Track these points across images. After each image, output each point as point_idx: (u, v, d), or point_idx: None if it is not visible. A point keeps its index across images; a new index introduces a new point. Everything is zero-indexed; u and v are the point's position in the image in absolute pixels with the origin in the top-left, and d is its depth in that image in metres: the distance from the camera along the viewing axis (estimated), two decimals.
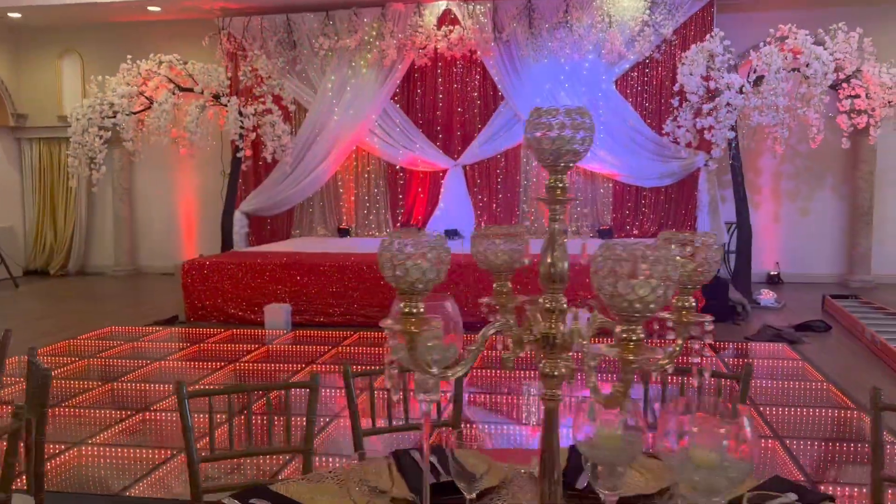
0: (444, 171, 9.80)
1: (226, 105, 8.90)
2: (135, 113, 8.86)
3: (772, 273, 9.72)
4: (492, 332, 1.31)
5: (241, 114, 8.81)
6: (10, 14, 10.21)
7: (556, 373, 1.25)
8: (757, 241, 9.47)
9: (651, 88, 9.30)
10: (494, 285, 1.42)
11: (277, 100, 9.51)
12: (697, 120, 8.34)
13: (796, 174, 9.86)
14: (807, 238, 9.87)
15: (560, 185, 1.28)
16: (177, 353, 6.33)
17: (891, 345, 5.72)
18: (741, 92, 7.64)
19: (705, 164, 9.12)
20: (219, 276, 7.51)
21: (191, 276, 7.56)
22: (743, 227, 8.27)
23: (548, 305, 1.27)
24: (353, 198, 10.18)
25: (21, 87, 11.31)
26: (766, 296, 8.17)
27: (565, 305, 1.27)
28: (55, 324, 7.68)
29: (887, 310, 7.26)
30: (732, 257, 9.04)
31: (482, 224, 9.53)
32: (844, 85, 7.41)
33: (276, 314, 7.09)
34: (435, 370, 1.24)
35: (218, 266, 7.55)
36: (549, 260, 1.27)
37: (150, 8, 9.86)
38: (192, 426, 2.09)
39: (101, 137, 8.79)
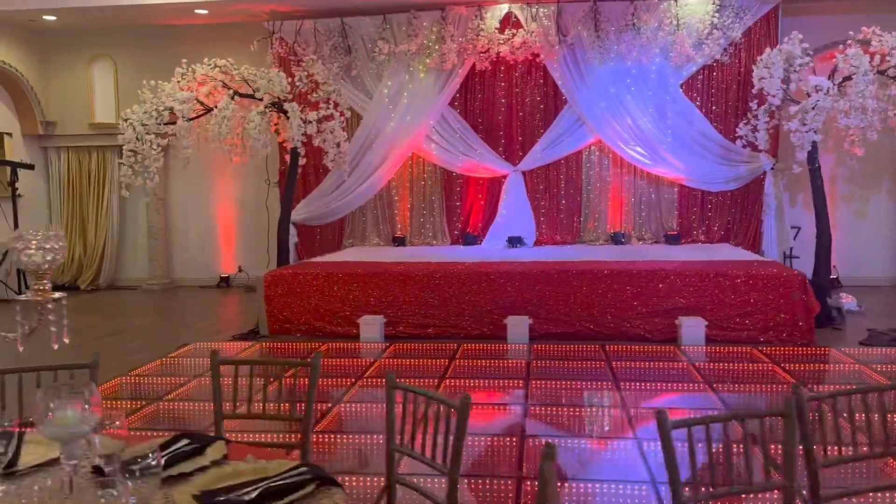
0: (503, 178, 9.59)
1: (286, 112, 8.57)
2: (190, 119, 8.48)
3: (830, 277, 9.68)
4: None
5: (304, 121, 8.48)
6: (46, 17, 9.75)
7: None
8: (812, 244, 9.45)
9: (718, 91, 9.22)
10: None
11: (334, 106, 9.20)
12: (774, 123, 8.28)
13: (851, 177, 9.85)
14: (862, 241, 9.86)
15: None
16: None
17: None
18: (828, 94, 7.57)
19: (772, 167, 9.08)
20: (303, 287, 7.16)
21: (273, 288, 7.20)
22: (823, 233, 8.19)
23: None
24: (407, 206, 9.91)
25: (49, 93, 10.82)
26: (848, 300, 8.10)
27: None
28: (126, 341, 7.27)
29: None
30: (797, 261, 9.00)
31: (545, 231, 9.37)
32: None
33: (371, 326, 6.80)
34: None
35: (303, 277, 7.20)
36: None
37: (198, 11, 9.49)
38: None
39: (158, 145, 8.38)
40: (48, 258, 1.74)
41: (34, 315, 1.71)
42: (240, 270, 10.93)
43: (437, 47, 9.24)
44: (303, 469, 1.68)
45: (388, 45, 9.29)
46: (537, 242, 9.39)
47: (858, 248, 9.85)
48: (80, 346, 6.99)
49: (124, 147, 8.50)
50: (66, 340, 1.79)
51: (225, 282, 10.89)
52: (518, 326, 6.63)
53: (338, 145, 8.91)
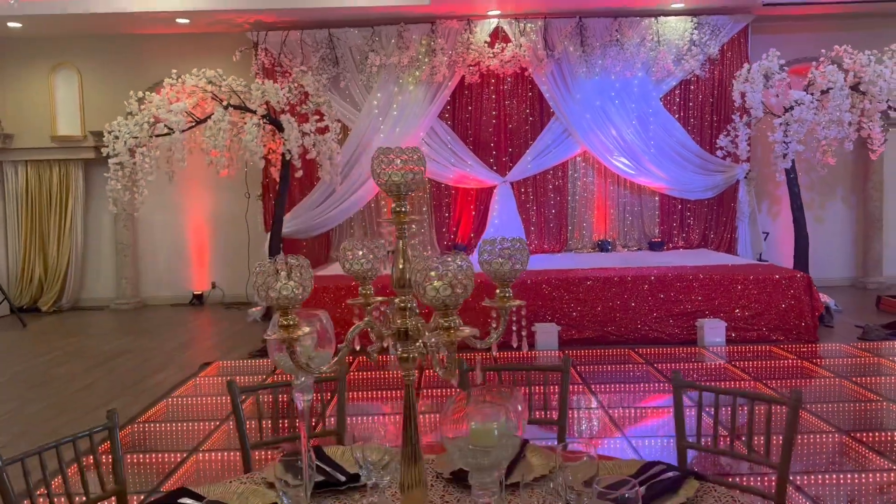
0: (492, 189, 9.73)
1: (278, 123, 8.42)
2: (183, 131, 8.20)
3: None
4: (356, 331, 1.59)
5: (301, 133, 8.37)
6: (10, 24, 9.21)
7: (409, 357, 1.54)
8: (779, 248, 10.07)
9: (695, 104, 9.68)
10: (360, 289, 1.72)
11: (320, 117, 9.11)
12: (752, 134, 8.79)
13: (811, 185, 10.52)
14: (822, 244, 10.53)
15: (403, 209, 1.63)
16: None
17: None
18: (809, 107, 8.10)
19: (745, 176, 9.60)
20: (317, 301, 7.05)
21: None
22: (801, 236, 8.73)
23: (402, 305, 1.56)
24: None
25: (6, 103, 10.20)
26: (826, 299, 8.65)
27: (414, 304, 1.56)
28: (139, 362, 6.96)
29: None
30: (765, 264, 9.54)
31: (533, 240, 9.56)
32: None
33: None
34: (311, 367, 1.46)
35: (325, 290, 7.09)
36: (399, 267, 1.58)
37: (180, 20, 9.20)
38: None
39: (152, 158, 8.06)
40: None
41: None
42: (214, 287, 10.61)
43: (427, 60, 9.31)
44: None
45: (378, 57, 9.28)
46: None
47: (819, 251, 10.49)
48: (92, 369, 6.66)
49: (111, 160, 8.14)
50: None
51: (198, 299, 10.53)
52: (547, 334, 6.76)
53: (330, 158, 8.84)
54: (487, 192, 9.77)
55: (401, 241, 1.63)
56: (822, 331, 7.48)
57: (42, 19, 9.02)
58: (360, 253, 1.71)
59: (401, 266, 1.59)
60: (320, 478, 1.79)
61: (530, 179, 9.78)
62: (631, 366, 6.20)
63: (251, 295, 9.93)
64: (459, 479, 1.81)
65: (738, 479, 3.54)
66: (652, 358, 6.38)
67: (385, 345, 1.60)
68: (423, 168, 1.66)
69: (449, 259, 1.38)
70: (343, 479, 1.82)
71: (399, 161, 1.63)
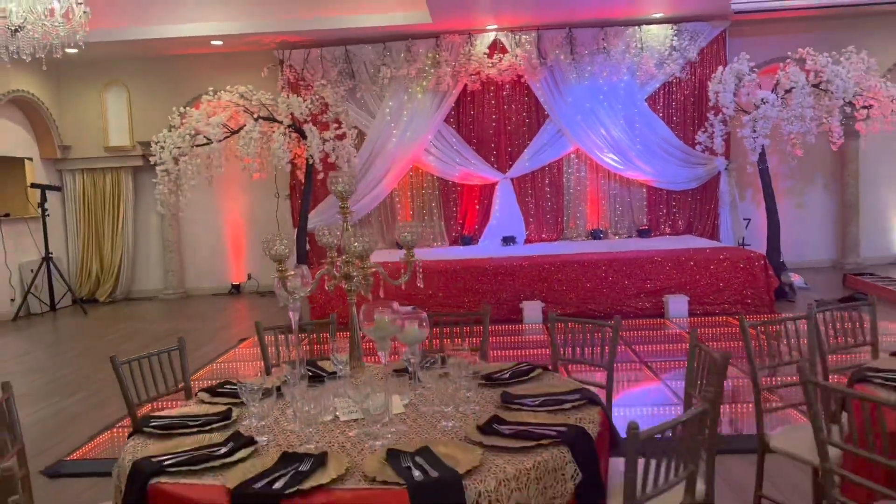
0: (495, 184, 10.81)
1: (302, 132, 9.60)
2: (220, 141, 9.43)
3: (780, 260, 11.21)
4: (321, 275, 2.80)
5: (323, 140, 9.54)
6: (68, 50, 10.50)
7: (351, 289, 2.76)
8: (760, 233, 10.96)
9: (678, 104, 10.64)
10: (328, 253, 2.86)
11: (338, 125, 10.26)
12: (727, 130, 9.73)
13: (791, 175, 11.41)
14: (804, 229, 11.42)
15: (346, 206, 2.91)
16: None
17: None
18: (773, 105, 9.03)
19: (726, 168, 10.54)
20: None
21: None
22: (773, 221, 9.66)
23: (346, 260, 2.76)
24: (409, 212, 11.04)
25: (65, 118, 11.57)
26: (797, 278, 9.58)
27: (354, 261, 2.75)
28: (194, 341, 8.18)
29: None
30: (749, 248, 10.45)
31: (532, 230, 10.61)
32: (859, 98, 8.92)
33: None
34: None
35: None
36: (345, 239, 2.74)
37: (214, 42, 10.44)
38: None
39: (195, 165, 9.31)
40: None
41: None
42: (249, 278, 11.87)
43: (432, 71, 10.42)
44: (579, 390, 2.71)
45: (389, 70, 10.42)
46: (527, 241, 10.64)
47: (801, 235, 11.41)
48: (148, 345, 7.90)
49: (158, 168, 9.41)
50: None
51: (236, 289, 11.81)
52: (533, 310, 7.85)
53: (348, 161, 10.00)
54: (490, 188, 10.86)
55: (346, 224, 2.75)
56: (784, 305, 8.44)
57: (97, 45, 10.32)
58: (327, 232, 2.81)
59: (347, 238, 2.75)
60: (310, 373, 2.92)
61: (529, 175, 10.83)
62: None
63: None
64: (398, 370, 2.93)
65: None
66: (621, 328, 7.42)
67: (338, 282, 2.74)
68: (354, 186, 2.82)
69: (363, 233, 2.56)
70: (325, 374, 2.95)
71: (341, 179, 2.79)
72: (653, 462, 1.89)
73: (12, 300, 10.38)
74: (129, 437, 2.49)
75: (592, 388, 2.67)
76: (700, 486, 2.32)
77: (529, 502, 1.92)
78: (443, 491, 1.84)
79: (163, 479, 2.06)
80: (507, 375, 2.82)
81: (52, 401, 6.06)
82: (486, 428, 2.24)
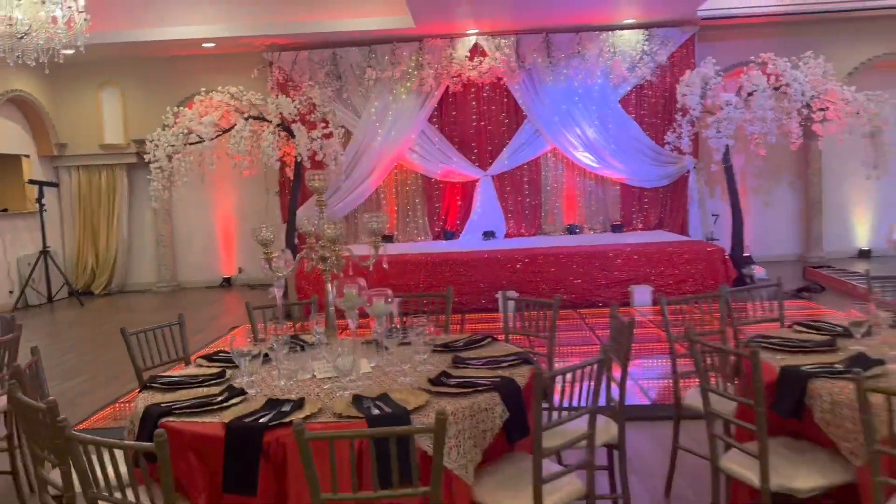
0: (476, 182, 11.31)
1: (291, 131, 10.07)
2: (212, 139, 9.89)
3: (744, 255, 11.76)
4: (300, 257, 3.30)
5: (311, 139, 10.02)
6: (64, 51, 10.94)
7: (326, 269, 3.19)
8: (728, 228, 11.51)
9: (649, 105, 11.16)
10: (307, 238, 3.32)
11: (325, 124, 10.74)
12: (695, 130, 10.26)
13: (758, 173, 11.95)
14: (770, 224, 11.98)
15: (322, 200, 3.35)
16: None
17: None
18: (736, 108, 9.56)
19: (694, 167, 11.08)
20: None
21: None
22: (736, 216, 10.20)
23: (322, 245, 3.19)
24: (394, 208, 11.54)
25: (61, 117, 11.98)
26: (759, 270, 10.12)
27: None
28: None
29: (859, 273, 9.33)
30: (716, 242, 11.00)
31: (512, 225, 11.12)
32: (816, 100, 9.47)
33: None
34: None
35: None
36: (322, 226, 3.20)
37: (205, 45, 10.90)
38: None
39: (189, 162, 9.78)
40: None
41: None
42: (240, 271, 12.33)
43: (416, 73, 10.91)
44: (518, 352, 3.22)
45: (374, 72, 10.90)
46: (507, 235, 11.15)
47: (767, 230, 11.96)
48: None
49: (152, 165, 9.86)
50: None
51: (227, 282, 12.27)
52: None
53: (335, 159, 10.49)
54: (471, 185, 11.36)
55: (323, 215, 3.22)
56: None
57: (93, 46, 10.73)
58: (306, 222, 3.29)
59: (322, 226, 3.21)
60: (293, 344, 3.41)
61: (508, 173, 11.34)
62: (570, 321, 7.77)
63: (271, 277, 11.63)
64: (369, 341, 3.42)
65: None
66: (588, 315, 7.95)
67: (316, 263, 3.22)
68: (329, 183, 3.31)
69: (335, 221, 3.04)
70: (306, 344, 3.44)
71: (317, 177, 3.22)
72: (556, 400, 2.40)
73: (11, 292, 10.81)
74: (139, 391, 2.98)
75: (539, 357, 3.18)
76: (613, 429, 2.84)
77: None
78: (393, 422, 2.33)
79: (170, 419, 2.55)
80: (461, 344, 3.32)
81: (54, 383, 6.52)
82: (436, 380, 2.74)
